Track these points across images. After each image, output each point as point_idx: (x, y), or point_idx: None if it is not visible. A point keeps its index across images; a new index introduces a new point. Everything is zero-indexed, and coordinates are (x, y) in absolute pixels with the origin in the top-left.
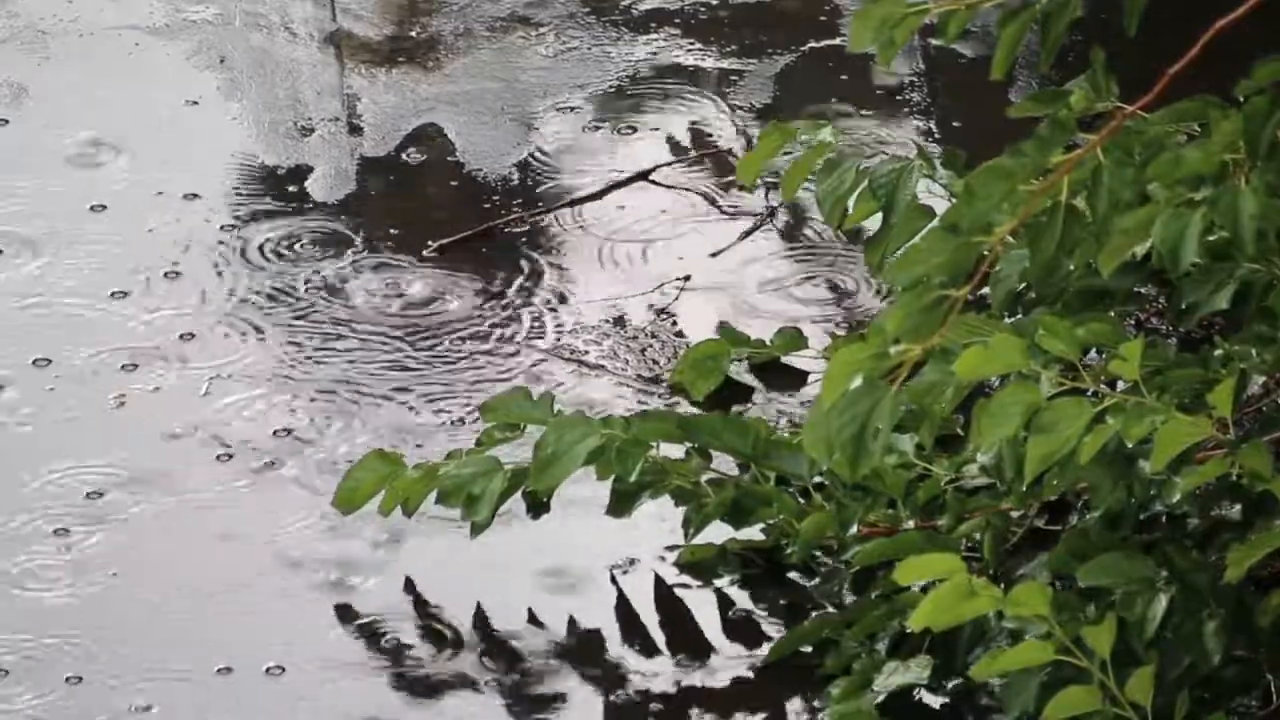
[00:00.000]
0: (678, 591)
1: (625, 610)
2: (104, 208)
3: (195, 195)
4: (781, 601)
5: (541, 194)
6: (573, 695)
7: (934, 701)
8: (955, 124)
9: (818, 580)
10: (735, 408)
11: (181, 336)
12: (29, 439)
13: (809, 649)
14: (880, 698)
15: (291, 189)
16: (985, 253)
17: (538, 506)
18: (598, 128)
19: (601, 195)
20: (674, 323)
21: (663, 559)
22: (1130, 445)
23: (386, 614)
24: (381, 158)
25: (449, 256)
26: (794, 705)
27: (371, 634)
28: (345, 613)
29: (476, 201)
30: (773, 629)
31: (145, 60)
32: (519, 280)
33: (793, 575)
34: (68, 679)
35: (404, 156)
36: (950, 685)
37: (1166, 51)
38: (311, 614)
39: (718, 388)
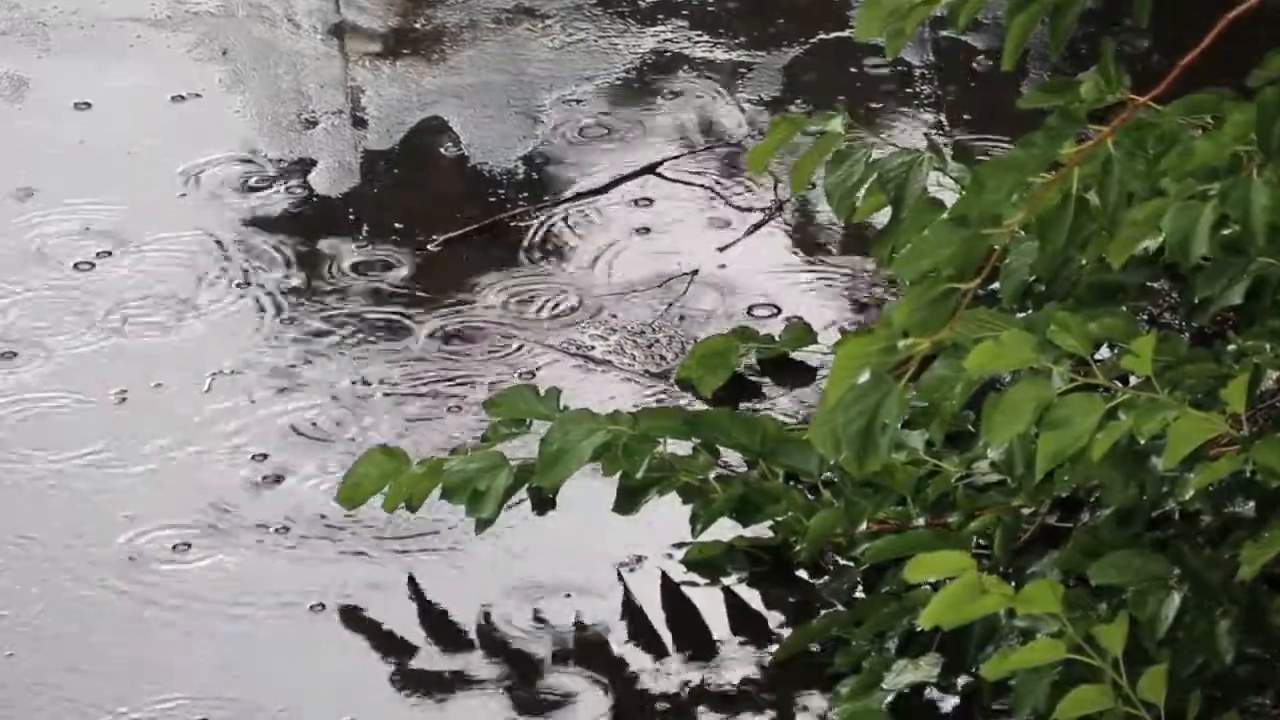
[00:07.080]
0: (685, 589)
1: (632, 608)
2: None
3: (196, 190)
4: (790, 599)
5: (547, 187)
6: (579, 694)
7: (944, 700)
8: (965, 116)
9: (827, 578)
10: (743, 404)
11: (184, 332)
12: None
13: (818, 647)
14: (890, 696)
15: (294, 182)
16: (994, 245)
17: (543, 503)
18: (604, 120)
19: (608, 189)
20: (681, 318)
21: (670, 556)
22: (1142, 442)
23: (390, 612)
24: (385, 151)
25: (454, 250)
26: (803, 704)
27: (374, 632)
28: (347, 610)
29: (481, 195)
30: (781, 627)
31: (147, 52)
32: (524, 274)
33: (801, 573)
34: None
35: (408, 150)
36: (960, 684)
37: (1179, 43)
38: (314, 611)
39: (726, 383)
